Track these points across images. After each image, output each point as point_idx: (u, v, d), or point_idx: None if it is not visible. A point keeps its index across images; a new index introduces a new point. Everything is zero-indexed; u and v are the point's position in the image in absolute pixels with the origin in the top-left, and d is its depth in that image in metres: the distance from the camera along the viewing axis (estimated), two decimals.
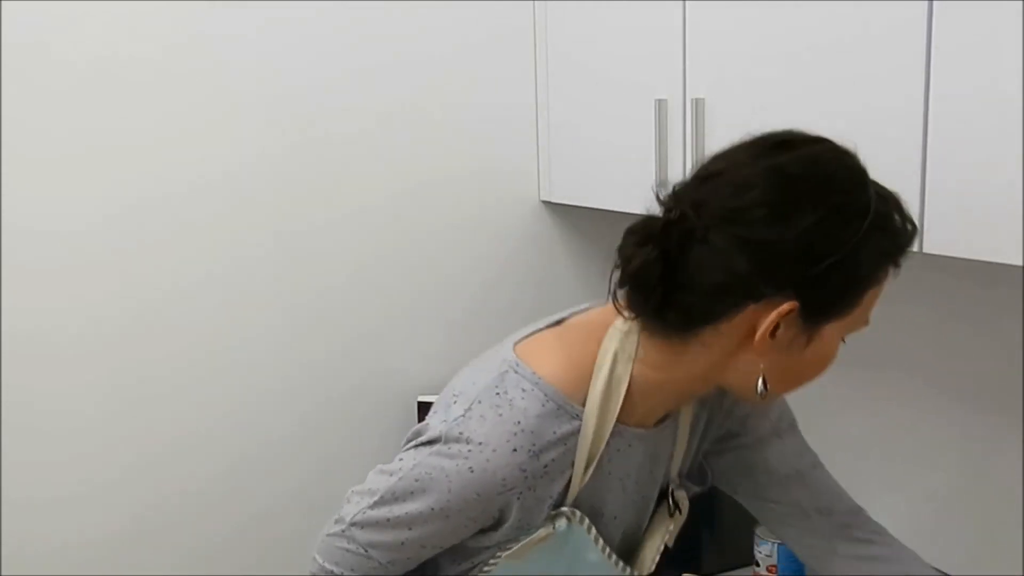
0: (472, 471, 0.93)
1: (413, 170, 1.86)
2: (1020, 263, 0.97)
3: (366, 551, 1.01)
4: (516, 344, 1.02)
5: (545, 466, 0.94)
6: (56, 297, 1.65)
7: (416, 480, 0.96)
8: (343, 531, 1.02)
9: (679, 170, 1.51)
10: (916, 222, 0.97)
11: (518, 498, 0.95)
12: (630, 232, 0.95)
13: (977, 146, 1.00)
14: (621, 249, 0.96)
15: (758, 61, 1.32)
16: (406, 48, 1.83)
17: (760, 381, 0.93)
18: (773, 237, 0.87)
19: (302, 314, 1.82)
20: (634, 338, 0.97)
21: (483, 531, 1.00)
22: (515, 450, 0.92)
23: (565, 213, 2.04)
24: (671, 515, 1.10)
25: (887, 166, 1.11)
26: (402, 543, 0.99)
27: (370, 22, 1.80)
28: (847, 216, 0.88)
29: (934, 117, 1.05)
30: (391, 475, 0.99)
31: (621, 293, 0.96)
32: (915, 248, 1.09)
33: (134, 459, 1.74)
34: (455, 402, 0.97)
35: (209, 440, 1.79)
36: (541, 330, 1.05)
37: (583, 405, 0.96)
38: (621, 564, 1.05)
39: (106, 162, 1.65)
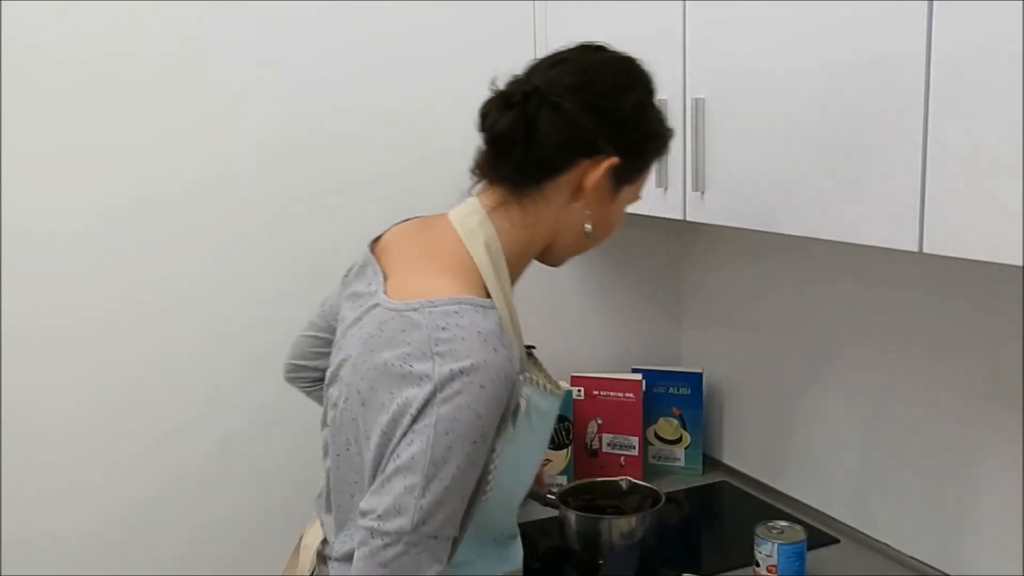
0: (484, 387, 1.01)
1: (413, 170, 1.86)
2: (1020, 263, 0.97)
3: (437, 536, 1.03)
4: (392, 297, 1.11)
5: (512, 349, 1.05)
6: (56, 296, 1.65)
7: (447, 433, 1.00)
8: (408, 542, 1.01)
9: (679, 170, 1.51)
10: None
11: (515, 386, 1.05)
12: (491, 100, 1.13)
13: (977, 146, 1.00)
14: (485, 115, 1.13)
15: (758, 61, 1.32)
16: (406, 48, 1.83)
17: (589, 225, 1.15)
18: (614, 105, 1.12)
19: (302, 313, 1.82)
20: (487, 223, 1.14)
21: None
22: (495, 350, 1.02)
23: None
24: (532, 357, 1.25)
25: (887, 166, 1.12)
26: (462, 500, 1.04)
27: (370, 22, 1.80)
28: (653, 105, 1.16)
29: (934, 117, 1.05)
30: (417, 457, 1.01)
31: (480, 160, 1.16)
32: (915, 248, 1.09)
33: (135, 457, 1.75)
34: (400, 360, 1.04)
35: (210, 438, 1.79)
36: (404, 267, 1.17)
37: (489, 295, 1.10)
38: (559, 391, 1.20)
39: (105, 162, 1.65)
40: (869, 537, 1.69)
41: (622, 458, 1.98)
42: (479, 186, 1.18)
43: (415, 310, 1.06)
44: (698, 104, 1.43)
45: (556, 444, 1.92)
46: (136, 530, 1.76)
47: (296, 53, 1.76)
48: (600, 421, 1.98)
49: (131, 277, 1.70)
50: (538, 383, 1.15)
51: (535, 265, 1.75)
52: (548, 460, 1.93)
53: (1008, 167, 0.97)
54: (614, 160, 1.12)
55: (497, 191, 1.15)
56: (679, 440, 2.04)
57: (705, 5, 1.41)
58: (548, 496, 1.68)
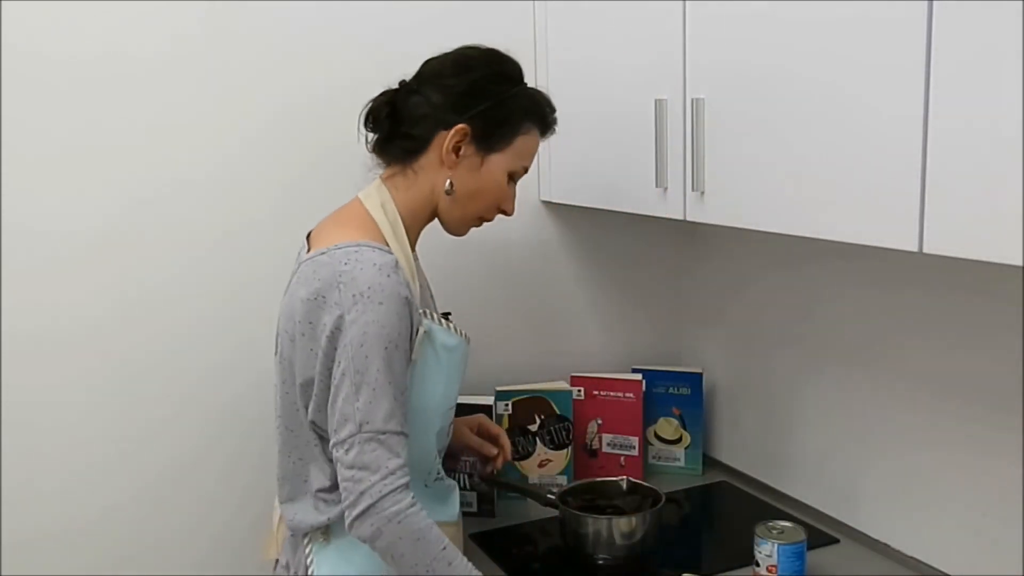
0: (382, 304, 1.23)
1: None
2: (1020, 263, 0.97)
3: (384, 431, 1.22)
4: (311, 249, 1.34)
5: (404, 280, 1.27)
6: (55, 295, 1.65)
7: (361, 345, 1.22)
8: (360, 441, 1.21)
9: (679, 170, 1.51)
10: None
11: (410, 306, 1.26)
12: (375, 97, 1.40)
13: (977, 146, 1.00)
14: (368, 107, 1.40)
15: (758, 61, 1.32)
16: (406, 48, 1.82)
17: (448, 183, 1.37)
18: (455, 82, 1.36)
19: None
20: (383, 188, 1.39)
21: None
22: (388, 275, 1.24)
23: (565, 213, 2.04)
24: (448, 320, 1.43)
25: (887, 166, 1.12)
26: (394, 397, 1.23)
27: (369, 23, 1.80)
28: (502, 79, 1.38)
29: (934, 117, 1.05)
30: (345, 371, 1.22)
31: (369, 145, 1.42)
32: (915, 248, 1.09)
33: (135, 455, 1.75)
34: (314, 294, 1.26)
35: (211, 437, 1.80)
36: (313, 233, 1.40)
37: (387, 245, 1.31)
38: (464, 334, 1.41)
39: (105, 161, 1.65)
40: (869, 537, 1.69)
41: (622, 458, 1.98)
42: (381, 169, 1.43)
43: (323, 253, 1.29)
44: (698, 104, 1.43)
45: (556, 444, 1.92)
46: (135, 523, 1.76)
47: (295, 53, 1.76)
48: (600, 421, 1.98)
49: (131, 276, 1.70)
50: (440, 321, 1.37)
51: (535, 265, 1.80)
52: (548, 460, 1.93)
53: (1008, 167, 0.97)
54: (461, 126, 1.34)
55: (389, 167, 1.41)
56: (679, 440, 2.04)
57: (705, 5, 1.41)
58: (548, 496, 1.68)
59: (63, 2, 1.59)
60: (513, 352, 2.03)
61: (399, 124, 1.38)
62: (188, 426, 1.78)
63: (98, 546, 1.73)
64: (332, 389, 1.25)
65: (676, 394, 2.03)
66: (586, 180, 1.81)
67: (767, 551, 1.48)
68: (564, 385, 1.96)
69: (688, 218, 1.51)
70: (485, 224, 1.79)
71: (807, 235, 1.26)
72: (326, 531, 1.35)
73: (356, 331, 1.22)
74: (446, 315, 1.44)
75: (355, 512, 1.21)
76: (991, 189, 0.99)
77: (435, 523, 1.25)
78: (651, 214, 1.60)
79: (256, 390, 1.80)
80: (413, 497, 1.23)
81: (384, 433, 1.22)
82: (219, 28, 1.70)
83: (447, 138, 1.35)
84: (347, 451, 1.22)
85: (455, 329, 1.39)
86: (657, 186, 1.55)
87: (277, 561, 1.46)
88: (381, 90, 1.43)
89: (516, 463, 1.91)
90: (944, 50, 1.03)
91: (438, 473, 1.45)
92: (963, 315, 1.48)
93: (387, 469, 1.21)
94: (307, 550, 1.36)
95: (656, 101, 1.53)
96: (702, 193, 1.46)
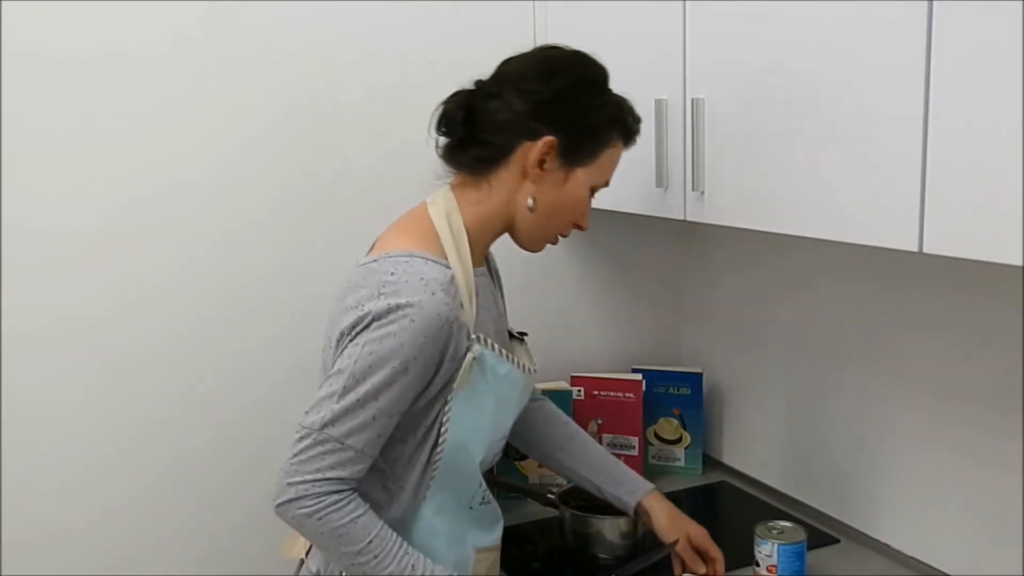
0: (414, 321, 1.15)
1: (413, 170, 1.85)
2: (1020, 263, 0.97)
3: (343, 443, 1.16)
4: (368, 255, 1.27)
5: (455, 299, 1.19)
6: (55, 295, 1.65)
7: (371, 354, 1.15)
8: (315, 439, 1.16)
9: (679, 170, 1.51)
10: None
11: (451, 329, 1.18)
12: (448, 96, 1.30)
13: (977, 146, 1.00)
14: (440, 106, 1.30)
15: (758, 61, 1.32)
16: (406, 48, 1.83)
17: (531, 200, 1.27)
18: (539, 87, 1.25)
19: (303, 311, 1.82)
20: (451, 197, 1.29)
21: (432, 377, 1.20)
22: (433, 294, 1.16)
23: None
24: (521, 342, 1.42)
25: (887, 166, 1.12)
26: (373, 417, 1.16)
27: (369, 23, 1.80)
28: (590, 87, 1.28)
29: (934, 117, 1.05)
30: (343, 370, 1.16)
31: (440, 151, 1.32)
32: (915, 248, 1.09)
33: (134, 454, 1.75)
34: (357, 302, 1.18)
35: (211, 435, 1.80)
36: (375, 246, 1.31)
37: (446, 259, 1.23)
38: (522, 365, 1.33)
39: (105, 161, 1.65)
40: (869, 537, 1.69)
41: (622, 458, 1.98)
42: (452, 175, 1.34)
43: (375, 261, 1.22)
44: (698, 104, 1.43)
45: None
46: (135, 523, 1.76)
47: (295, 53, 1.76)
48: (600, 421, 1.98)
49: (131, 276, 1.70)
50: (493, 347, 1.27)
51: (536, 266, 1.79)
52: None
53: (1008, 167, 0.97)
54: (549, 139, 1.25)
55: (460, 175, 1.31)
56: (679, 440, 2.04)
57: (705, 5, 1.41)
58: (548, 496, 1.68)
59: (63, 2, 1.59)
60: None
61: (476, 130, 1.27)
62: (188, 426, 1.78)
63: (98, 546, 1.73)
64: (324, 374, 1.23)
65: (676, 394, 2.03)
66: None
67: (767, 551, 1.48)
68: (564, 385, 1.96)
69: (688, 218, 1.51)
70: None
71: (807, 235, 1.26)
72: None
73: (374, 337, 1.15)
74: (522, 335, 1.36)
75: (278, 500, 1.19)
76: (991, 189, 0.99)
77: (366, 516, 1.20)
78: (651, 214, 1.60)
79: (257, 390, 1.80)
80: (342, 495, 1.18)
81: (341, 444, 1.16)
82: (219, 28, 1.70)
83: (532, 150, 1.25)
84: (300, 439, 1.17)
85: (510, 358, 1.30)
86: (657, 186, 1.55)
87: (302, 562, 1.40)
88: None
89: (516, 463, 1.91)
90: (944, 50, 1.03)
91: (483, 497, 1.38)
92: (963, 315, 1.48)
93: (321, 475, 1.16)
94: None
95: (656, 101, 1.53)
96: (702, 193, 1.46)
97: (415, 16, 1.82)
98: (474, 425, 1.28)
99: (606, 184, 1.34)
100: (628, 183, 1.65)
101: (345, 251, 1.83)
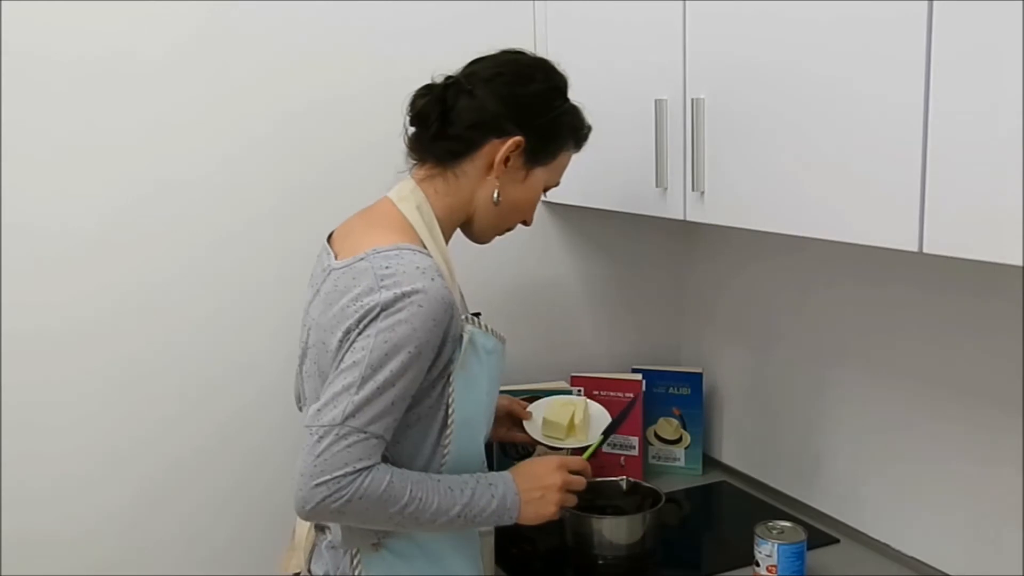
0: (422, 307, 1.19)
1: None
2: (1020, 263, 0.97)
3: (366, 432, 1.18)
4: (341, 259, 1.29)
5: (447, 284, 1.23)
6: (55, 294, 1.65)
7: (385, 343, 1.18)
8: (339, 433, 1.17)
9: (679, 170, 1.51)
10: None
11: (453, 311, 1.23)
12: (418, 89, 1.36)
13: (977, 146, 1.00)
14: (412, 103, 1.36)
15: (758, 61, 1.32)
16: (406, 48, 1.83)
17: (496, 193, 1.34)
18: (516, 92, 1.33)
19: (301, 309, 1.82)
20: (418, 190, 1.35)
21: (434, 359, 1.24)
22: (432, 279, 1.20)
23: (565, 213, 2.04)
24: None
25: (887, 166, 1.12)
26: (392, 403, 1.19)
27: (370, 23, 1.80)
28: (557, 94, 1.37)
29: (934, 116, 1.05)
30: (358, 362, 1.18)
31: (409, 142, 1.38)
32: (915, 248, 1.09)
33: (134, 453, 1.75)
34: (355, 299, 1.21)
35: (211, 434, 1.80)
36: (347, 231, 1.36)
37: (426, 248, 1.28)
38: (499, 336, 1.37)
39: (105, 161, 1.65)
40: (869, 537, 1.69)
41: (622, 458, 1.98)
42: (414, 168, 1.39)
43: (361, 259, 1.24)
44: (698, 104, 1.43)
45: None
46: (135, 524, 1.76)
47: (296, 54, 1.76)
48: None
49: (131, 276, 1.70)
50: (478, 324, 1.32)
51: (536, 265, 1.79)
52: None
53: (1008, 167, 0.97)
54: (518, 138, 1.32)
55: (426, 167, 1.36)
56: (679, 440, 2.04)
57: (705, 4, 1.41)
58: None
59: (63, 2, 1.59)
60: (513, 352, 2.02)
61: (448, 124, 1.33)
62: (188, 426, 1.78)
63: (98, 546, 1.73)
64: (335, 370, 1.20)
65: (676, 394, 2.03)
66: (586, 180, 1.80)
67: (767, 551, 1.48)
68: (564, 385, 1.96)
69: (688, 218, 1.51)
70: None
71: (807, 235, 1.26)
72: (378, 541, 1.31)
73: (386, 326, 1.18)
74: (476, 315, 1.42)
75: (309, 504, 1.17)
76: (991, 189, 0.99)
77: (396, 471, 1.21)
78: (651, 214, 1.60)
79: (257, 390, 1.80)
80: (369, 471, 1.18)
81: (364, 433, 1.17)
82: (220, 28, 1.70)
83: (502, 148, 1.32)
84: (320, 438, 1.16)
85: (489, 330, 1.35)
86: (657, 186, 1.55)
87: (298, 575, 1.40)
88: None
89: (516, 463, 1.91)
90: (944, 50, 1.03)
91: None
92: (964, 315, 1.48)
93: (351, 468, 1.16)
94: (355, 560, 1.30)
95: (656, 101, 1.53)
96: (702, 193, 1.46)
97: (416, 17, 1.82)
98: (476, 401, 1.32)
99: (556, 184, 1.44)
100: (628, 183, 1.65)
101: None
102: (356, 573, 1.30)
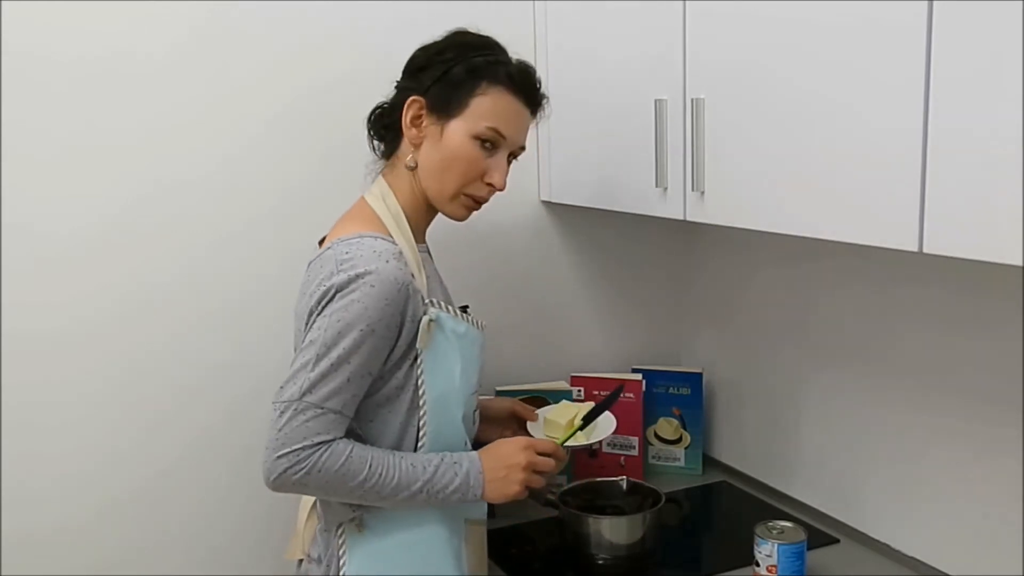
0: (374, 287, 1.25)
1: None
2: (1020, 263, 0.97)
3: (323, 407, 1.24)
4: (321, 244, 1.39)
5: (406, 267, 1.29)
6: (55, 294, 1.65)
7: (339, 321, 1.24)
8: (296, 408, 1.24)
9: (679, 170, 1.51)
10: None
11: (408, 292, 1.28)
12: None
13: (977, 146, 1.00)
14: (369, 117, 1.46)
15: (758, 61, 1.32)
16: (407, 48, 1.82)
17: (410, 158, 1.38)
18: (413, 61, 1.41)
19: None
20: (383, 183, 1.42)
21: (396, 339, 1.29)
22: (387, 261, 1.27)
23: (565, 213, 2.04)
24: (466, 312, 1.44)
25: (887, 166, 1.12)
26: (348, 379, 1.25)
27: (370, 22, 1.80)
28: (455, 48, 1.38)
29: (934, 116, 1.05)
30: (314, 341, 1.25)
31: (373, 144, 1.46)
32: (915, 248, 1.09)
33: (133, 452, 1.75)
34: (318, 285, 1.27)
35: (212, 433, 1.80)
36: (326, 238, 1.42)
37: (391, 236, 1.33)
38: (476, 322, 1.42)
39: (105, 161, 1.65)
40: (869, 537, 1.69)
41: (622, 458, 1.98)
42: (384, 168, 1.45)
43: (328, 249, 1.31)
44: (698, 104, 1.43)
45: None
46: (135, 523, 1.76)
47: (297, 54, 1.76)
48: None
49: (131, 276, 1.70)
50: (448, 309, 1.36)
51: (535, 265, 1.78)
52: None
53: (1008, 167, 0.97)
54: (415, 97, 1.36)
55: (387, 164, 1.44)
56: (679, 440, 2.04)
57: (705, 5, 1.41)
58: (548, 496, 1.68)
59: (63, 2, 1.59)
60: (513, 352, 2.03)
61: (382, 120, 1.43)
62: (188, 426, 1.78)
63: (98, 546, 1.73)
64: (296, 351, 1.29)
65: (676, 394, 2.03)
66: (586, 180, 1.81)
67: (767, 551, 1.48)
68: (564, 385, 1.96)
69: (688, 218, 1.51)
70: (484, 222, 1.80)
71: (807, 235, 1.26)
72: (360, 521, 1.36)
73: (340, 306, 1.24)
74: (464, 308, 1.44)
75: (273, 475, 1.25)
76: (991, 189, 0.99)
77: (356, 447, 1.27)
78: (651, 214, 1.60)
79: (257, 389, 1.80)
80: (328, 445, 1.25)
81: (321, 409, 1.24)
82: (220, 29, 1.70)
83: (406, 114, 1.37)
84: (281, 414, 1.24)
85: (467, 318, 1.40)
86: (657, 186, 1.55)
87: (301, 561, 1.47)
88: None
89: None
90: (944, 50, 1.03)
91: None
92: (964, 314, 1.48)
93: (309, 441, 1.23)
94: (340, 540, 1.36)
95: (656, 101, 1.53)
96: (702, 193, 1.46)
97: (416, 16, 1.82)
98: (448, 380, 1.36)
99: (497, 134, 1.36)
100: (628, 183, 1.65)
101: None
102: (341, 552, 1.36)
